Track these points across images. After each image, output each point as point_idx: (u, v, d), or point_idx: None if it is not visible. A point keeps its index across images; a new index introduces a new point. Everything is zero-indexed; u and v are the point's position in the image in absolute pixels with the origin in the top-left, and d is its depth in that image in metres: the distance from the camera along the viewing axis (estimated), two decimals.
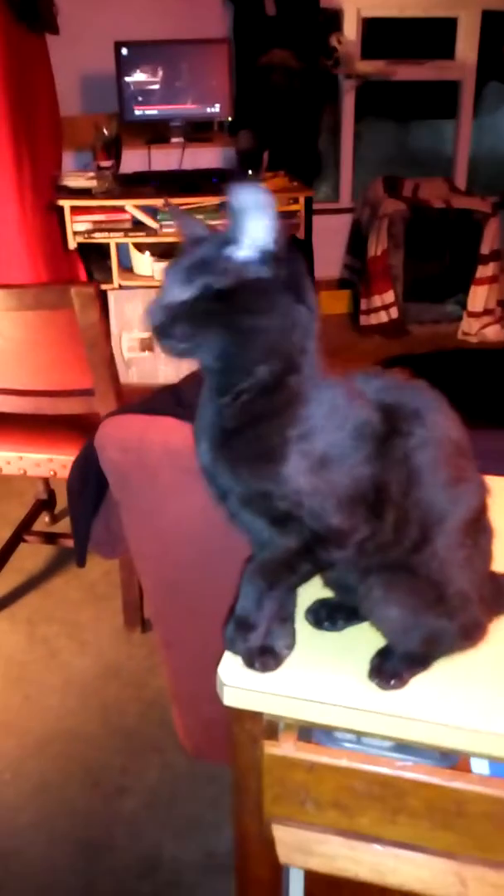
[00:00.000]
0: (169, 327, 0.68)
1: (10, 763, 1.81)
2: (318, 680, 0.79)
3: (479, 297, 3.97)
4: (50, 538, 2.48)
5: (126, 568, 2.07)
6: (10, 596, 2.33)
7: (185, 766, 1.77)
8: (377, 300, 3.99)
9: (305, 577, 0.79)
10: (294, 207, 3.31)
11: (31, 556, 2.48)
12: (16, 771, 1.79)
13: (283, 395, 0.70)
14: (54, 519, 2.65)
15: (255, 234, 0.66)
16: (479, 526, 0.79)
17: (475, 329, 4.01)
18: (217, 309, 0.67)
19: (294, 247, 0.69)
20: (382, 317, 4.00)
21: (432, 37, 4.41)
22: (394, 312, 3.98)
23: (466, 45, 4.30)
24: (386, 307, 3.99)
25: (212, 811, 1.69)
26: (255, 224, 0.66)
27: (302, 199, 3.32)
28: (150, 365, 3.26)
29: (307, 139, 3.91)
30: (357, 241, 4.21)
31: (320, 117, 4.10)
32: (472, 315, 4.00)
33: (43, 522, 2.61)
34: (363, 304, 4.04)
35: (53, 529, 2.59)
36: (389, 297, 3.97)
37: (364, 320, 4.04)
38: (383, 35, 4.36)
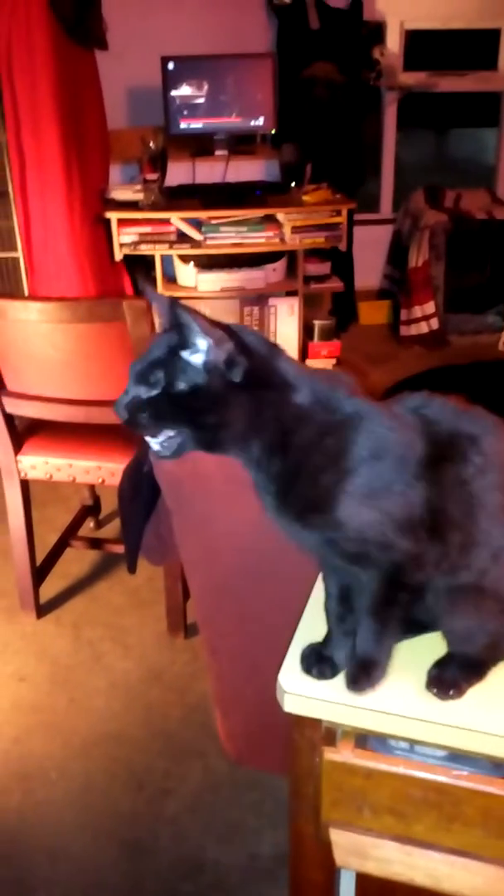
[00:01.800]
0: (133, 421, 0.74)
1: (56, 763, 1.85)
2: (377, 689, 0.81)
3: None
4: (95, 543, 2.53)
5: (170, 574, 2.11)
6: (56, 600, 2.38)
7: (227, 771, 1.80)
8: (418, 311, 3.98)
9: (408, 607, 0.80)
10: (336, 220, 3.33)
11: (76, 560, 2.53)
12: (62, 771, 1.83)
13: (298, 454, 0.73)
14: (99, 524, 2.70)
15: (201, 347, 0.70)
16: None
17: None
18: (177, 409, 0.72)
19: (256, 340, 0.73)
20: (423, 327, 4.00)
21: (475, 48, 4.41)
22: (434, 323, 3.97)
23: None
24: (426, 318, 3.98)
25: (253, 816, 1.71)
26: (198, 340, 0.70)
27: (345, 212, 3.34)
28: None
29: (350, 151, 3.93)
30: (398, 252, 4.22)
31: (363, 129, 4.12)
32: None
33: (88, 528, 2.67)
34: (403, 315, 4.04)
35: (98, 535, 2.65)
36: (430, 307, 3.96)
37: (404, 331, 4.04)
38: (426, 47, 4.36)
